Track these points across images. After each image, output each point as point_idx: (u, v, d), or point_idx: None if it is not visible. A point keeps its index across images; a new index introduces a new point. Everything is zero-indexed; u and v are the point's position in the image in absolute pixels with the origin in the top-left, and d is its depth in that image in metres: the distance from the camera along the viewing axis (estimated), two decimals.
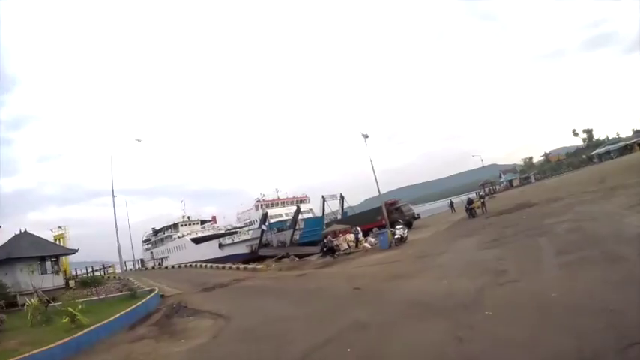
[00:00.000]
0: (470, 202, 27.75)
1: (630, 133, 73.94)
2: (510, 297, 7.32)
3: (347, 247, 24.96)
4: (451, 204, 42.87)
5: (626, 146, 62.26)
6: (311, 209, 50.04)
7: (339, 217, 44.08)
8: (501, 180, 73.84)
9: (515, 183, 66.98)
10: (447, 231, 23.11)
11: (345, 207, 47.60)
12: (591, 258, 8.42)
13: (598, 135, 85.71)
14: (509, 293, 7.57)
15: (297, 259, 29.49)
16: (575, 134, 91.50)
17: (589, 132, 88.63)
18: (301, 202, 51.26)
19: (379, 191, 24.95)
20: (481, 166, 70.23)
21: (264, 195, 52.57)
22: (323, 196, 46.35)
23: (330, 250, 25.29)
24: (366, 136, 24.59)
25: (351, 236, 25.54)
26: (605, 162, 57.44)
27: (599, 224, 11.95)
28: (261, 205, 49.47)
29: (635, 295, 5.65)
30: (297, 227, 38.02)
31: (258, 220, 45.61)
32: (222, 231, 53.31)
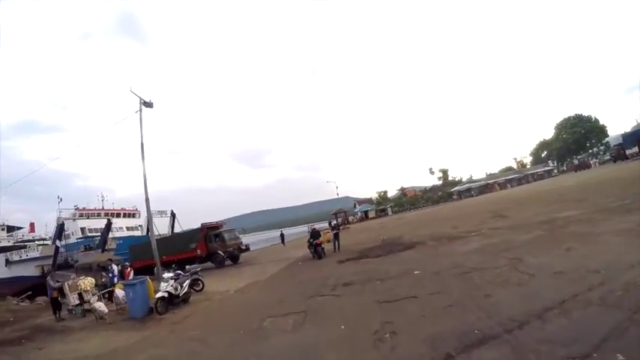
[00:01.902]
0: (315, 234, 17.20)
1: (484, 175, 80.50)
2: None
3: (77, 302, 12.14)
4: (282, 236, 36.74)
5: (486, 185, 65.20)
6: (140, 225, 44.02)
7: None
8: (356, 210, 69.47)
9: (371, 214, 63.10)
10: (271, 285, 12.23)
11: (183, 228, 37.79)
12: None
13: (452, 175, 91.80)
14: None
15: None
16: (432, 172, 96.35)
17: (445, 171, 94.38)
18: (130, 215, 44.77)
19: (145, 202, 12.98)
20: (335, 196, 64.88)
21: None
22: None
23: (56, 305, 12.76)
24: (148, 105, 12.78)
25: (88, 281, 12.58)
26: (465, 199, 57.96)
27: None
28: (80, 215, 40.63)
29: None
30: (107, 247, 31.34)
31: (75, 233, 38.85)
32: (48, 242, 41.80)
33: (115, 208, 44.50)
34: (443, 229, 18.06)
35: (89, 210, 41.87)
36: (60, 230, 32.31)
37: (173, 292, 10.26)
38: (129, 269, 15.21)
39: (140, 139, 12.62)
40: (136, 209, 45.51)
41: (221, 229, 24.96)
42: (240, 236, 25.97)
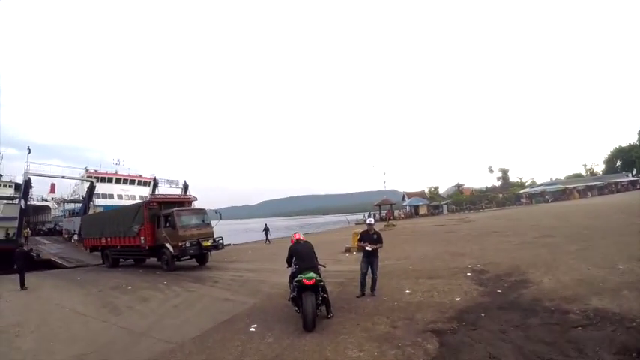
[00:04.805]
0: (302, 255, 6.02)
1: (547, 180, 68.56)
2: None
3: None
4: (265, 231, 28.07)
5: (564, 190, 52.02)
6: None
7: None
8: (405, 204, 57.95)
9: (423, 211, 51.65)
10: None
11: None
12: None
13: (513, 177, 79.02)
14: None
15: None
16: (491, 171, 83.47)
17: (505, 172, 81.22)
18: (147, 184, 40.43)
19: None
20: (382, 188, 52.61)
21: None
22: (155, 179, 39.16)
23: None
24: None
25: None
26: (537, 204, 46.11)
27: None
28: (89, 177, 35.82)
29: None
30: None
31: (82, 196, 34.86)
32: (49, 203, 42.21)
33: (131, 174, 41.16)
34: (624, 263, 7.25)
35: (101, 174, 37.97)
36: (26, 188, 26.46)
37: None
38: None
39: None
40: (154, 178, 41.59)
41: (177, 209, 15.11)
42: (214, 223, 16.09)
